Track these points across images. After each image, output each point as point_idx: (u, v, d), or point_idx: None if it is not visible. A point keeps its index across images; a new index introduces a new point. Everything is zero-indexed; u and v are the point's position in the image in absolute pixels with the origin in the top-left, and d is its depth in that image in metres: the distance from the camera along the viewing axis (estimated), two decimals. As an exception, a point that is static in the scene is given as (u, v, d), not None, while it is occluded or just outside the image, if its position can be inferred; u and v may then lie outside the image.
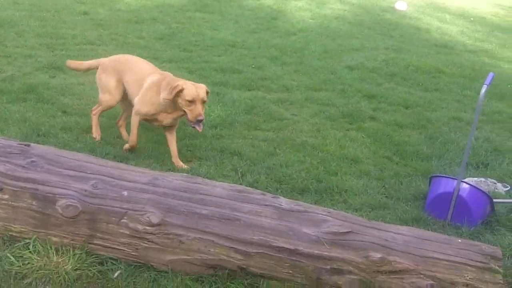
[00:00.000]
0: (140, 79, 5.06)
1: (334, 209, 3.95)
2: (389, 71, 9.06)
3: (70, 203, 3.34)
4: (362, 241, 3.28)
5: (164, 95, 4.76)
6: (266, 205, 3.45)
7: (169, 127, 5.05)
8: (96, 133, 5.34)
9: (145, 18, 11.13)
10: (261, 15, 12.85)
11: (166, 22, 11.07)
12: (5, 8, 10.79)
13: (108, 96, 5.30)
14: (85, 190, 3.38)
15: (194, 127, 4.76)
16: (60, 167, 3.53)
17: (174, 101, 4.75)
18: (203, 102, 4.72)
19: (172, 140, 5.05)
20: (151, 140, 5.36)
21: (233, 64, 8.49)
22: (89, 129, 5.48)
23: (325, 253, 3.22)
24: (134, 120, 5.02)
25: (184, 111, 4.73)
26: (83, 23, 10.20)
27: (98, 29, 9.90)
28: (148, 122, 5.16)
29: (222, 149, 5.38)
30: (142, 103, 4.96)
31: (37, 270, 3.26)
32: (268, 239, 3.27)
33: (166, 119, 4.93)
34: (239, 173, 4.90)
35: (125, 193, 3.39)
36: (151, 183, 3.48)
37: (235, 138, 5.70)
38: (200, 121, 4.66)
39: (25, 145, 3.69)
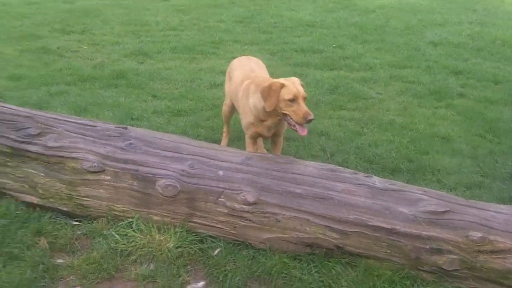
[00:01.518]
0: (235, 90, 4.34)
1: (428, 188, 3.88)
2: (475, 46, 8.75)
3: (170, 183, 3.44)
4: (461, 220, 3.20)
5: (263, 103, 3.79)
6: (359, 184, 3.43)
7: (273, 137, 4.25)
8: (223, 141, 4.95)
9: (223, 2, 11.26)
10: (339, -7, 12.70)
11: (244, 5, 11.15)
12: (90, -2, 11.20)
13: (224, 102, 4.86)
14: (183, 170, 3.48)
15: (296, 130, 3.74)
16: (157, 148, 3.64)
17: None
18: (304, 98, 3.75)
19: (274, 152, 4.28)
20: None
21: (314, 44, 8.45)
22: (179, 112, 5.63)
23: (424, 233, 3.17)
24: (246, 141, 4.25)
25: (284, 113, 3.76)
26: (165, 10, 10.43)
27: (179, 15, 10.10)
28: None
29: (309, 130, 5.36)
30: (242, 118, 4.24)
31: (141, 248, 3.40)
32: (364, 218, 3.26)
33: (263, 130, 4.07)
34: (327, 153, 4.90)
35: (221, 172, 3.46)
36: (245, 163, 3.54)
37: (321, 118, 5.68)
38: (310, 121, 3.68)
39: (122, 128, 3.83)
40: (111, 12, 9.97)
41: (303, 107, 3.68)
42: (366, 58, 7.90)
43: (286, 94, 3.70)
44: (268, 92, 3.73)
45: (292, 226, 3.32)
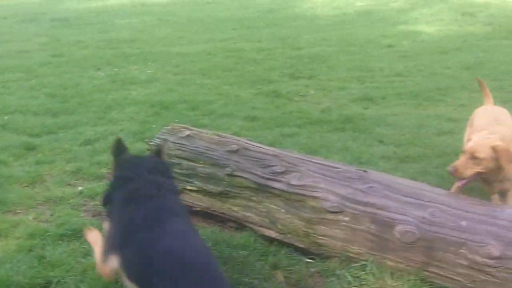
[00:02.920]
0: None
1: None
2: None
3: (408, 229, 3.42)
4: None
5: None
6: None
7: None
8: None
9: (449, 48, 11.01)
10: None
11: (471, 51, 10.79)
12: (316, 45, 11.72)
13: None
14: (423, 218, 3.43)
15: None
16: (397, 193, 3.64)
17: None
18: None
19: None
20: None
21: (555, 95, 7.85)
22: (407, 158, 5.59)
23: None
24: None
25: None
26: (389, 56, 10.51)
27: (404, 61, 10.10)
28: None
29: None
30: None
31: (373, 291, 3.41)
32: None
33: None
34: None
35: (464, 223, 3.35)
36: (490, 215, 3.38)
37: None
38: None
39: (363, 171, 3.90)
40: (337, 58, 10.32)
41: None
42: None
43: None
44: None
45: (541, 287, 3.08)
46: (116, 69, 9.81)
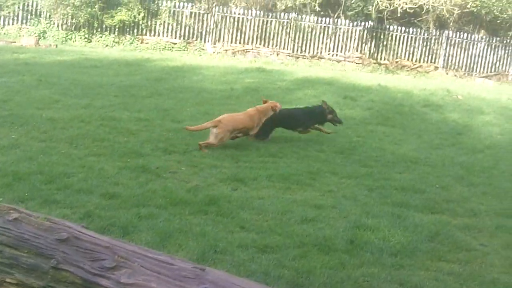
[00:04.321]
0: None
1: None
2: None
3: None
4: None
5: None
6: None
7: None
8: None
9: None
10: (446, 129, 12.38)
11: (347, 135, 11.05)
12: (197, 118, 11.51)
13: None
14: (255, 327, 3.18)
15: None
16: (232, 296, 3.38)
17: None
18: None
19: None
20: (326, 265, 5.09)
21: (415, 183, 8.07)
22: (265, 248, 5.39)
23: None
24: None
25: None
26: (267, 136, 10.51)
27: (281, 142, 10.12)
28: None
29: (402, 282, 4.93)
30: None
31: None
32: None
33: None
34: (422, 313, 4.41)
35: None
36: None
37: (416, 269, 5.22)
38: None
39: (200, 269, 3.61)
40: (214, 135, 10.15)
41: None
42: (471, 203, 7.39)
43: None
44: None
45: None
46: (-23, 134, 9.08)
